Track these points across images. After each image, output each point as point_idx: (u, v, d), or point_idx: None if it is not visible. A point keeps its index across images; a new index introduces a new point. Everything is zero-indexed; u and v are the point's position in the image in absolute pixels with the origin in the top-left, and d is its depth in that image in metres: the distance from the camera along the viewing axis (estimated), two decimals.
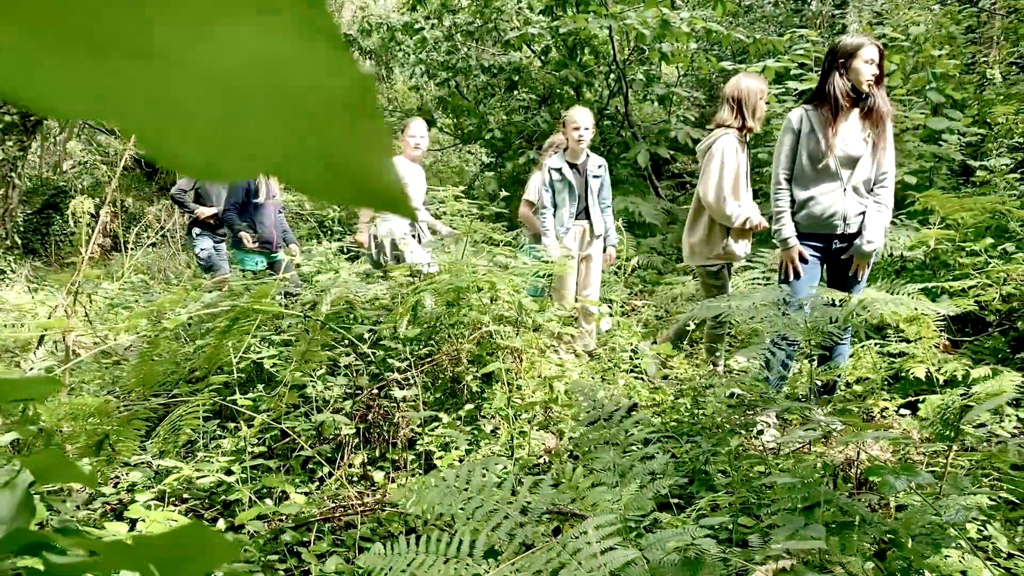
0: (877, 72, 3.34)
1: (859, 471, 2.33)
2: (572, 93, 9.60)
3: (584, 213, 4.75)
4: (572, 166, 4.68)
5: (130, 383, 2.31)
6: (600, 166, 4.81)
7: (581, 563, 1.48)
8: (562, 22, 8.22)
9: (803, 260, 3.48)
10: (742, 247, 4.11)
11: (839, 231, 3.42)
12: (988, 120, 6.45)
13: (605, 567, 1.45)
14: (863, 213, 3.45)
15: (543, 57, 9.19)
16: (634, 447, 3.26)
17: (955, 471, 2.27)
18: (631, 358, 4.11)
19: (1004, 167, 5.21)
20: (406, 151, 4.98)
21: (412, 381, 2.88)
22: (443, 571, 1.55)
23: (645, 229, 8.13)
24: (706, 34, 9.14)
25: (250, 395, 2.50)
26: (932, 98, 5.86)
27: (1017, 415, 3.52)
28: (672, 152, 9.03)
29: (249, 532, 2.25)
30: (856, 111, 3.41)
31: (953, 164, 5.92)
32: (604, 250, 4.88)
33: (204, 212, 5.90)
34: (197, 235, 6.00)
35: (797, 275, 3.46)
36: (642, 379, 4.05)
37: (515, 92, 8.60)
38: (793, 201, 3.52)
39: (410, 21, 8.86)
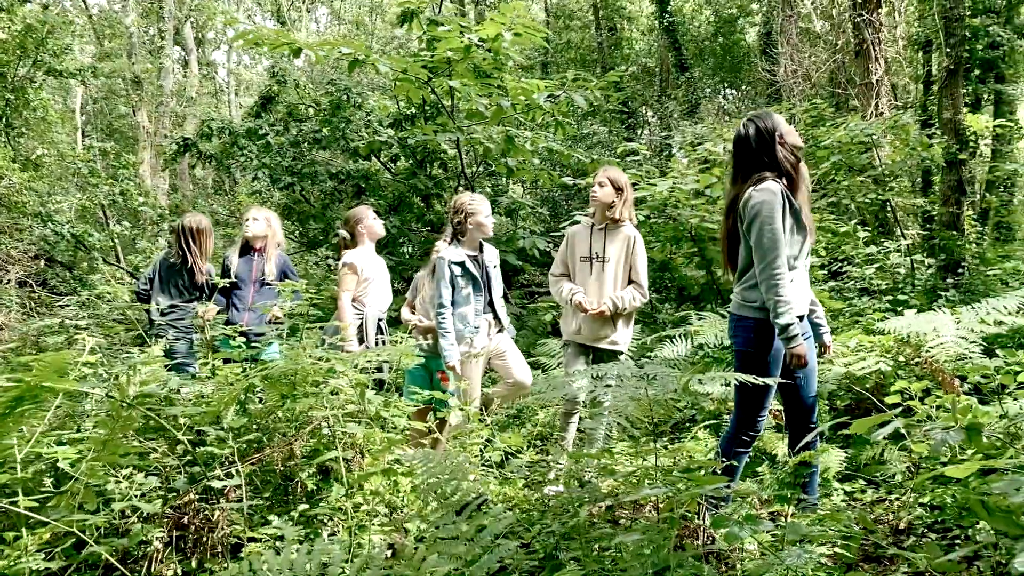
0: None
1: (705, 536, 2.30)
2: (421, 203, 9.76)
3: (489, 306, 4.46)
4: (471, 258, 4.38)
5: None
6: (496, 255, 4.59)
7: None
8: (410, 133, 8.43)
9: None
10: (577, 327, 4.21)
11: (804, 313, 3.08)
12: None
13: None
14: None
15: (391, 166, 9.32)
16: (486, 539, 3.06)
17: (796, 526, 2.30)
18: (482, 452, 3.97)
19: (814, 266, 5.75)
20: (370, 234, 4.85)
21: (236, 477, 2.59)
22: None
23: None
24: (548, 153, 9.70)
25: (36, 496, 2.11)
26: None
27: (843, 489, 3.69)
28: (520, 262, 9.29)
29: None
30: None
31: None
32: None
33: (214, 311, 5.03)
34: (176, 338, 5.08)
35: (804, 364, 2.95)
36: (494, 475, 3.91)
37: (363, 198, 8.61)
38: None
39: (253, 127, 8.76)
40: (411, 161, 8.83)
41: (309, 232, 9.08)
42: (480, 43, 6.76)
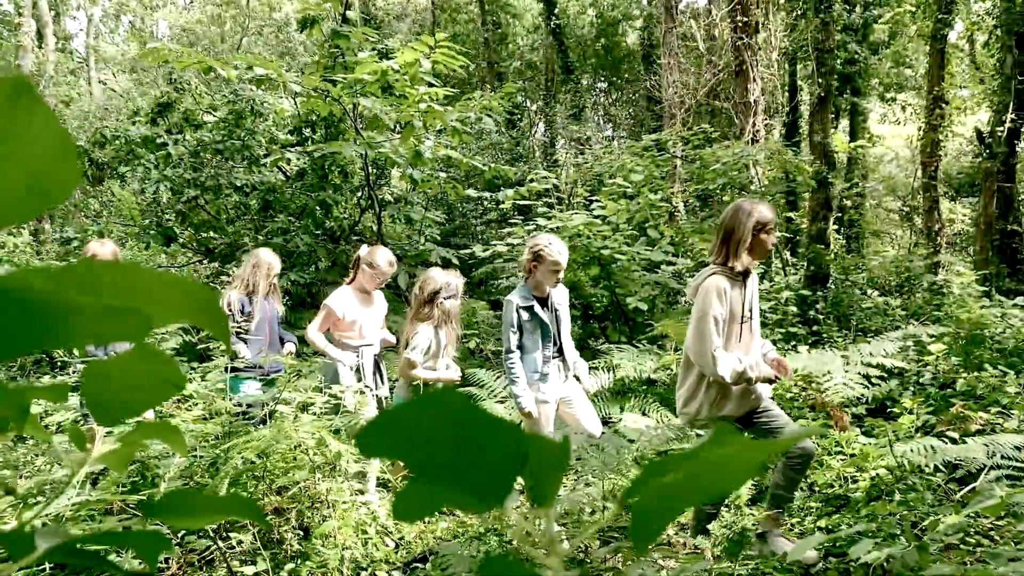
0: None
1: None
2: (321, 211, 9.73)
3: (558, 352, 4.14)
4: (540, 301, 4.07)
5: None
6: (565, 295, 4.26)
7: None
8: (318, 147, 8.42)
9: None
10: (736, 405, 3.26)
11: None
12: (677, 243, 7.85)
13: None
14: None
15: (296, 180, 9.25)
16: None
17: None
18: None
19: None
20: (368, 281, 4.54)
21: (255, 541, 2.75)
22: None
23: None
24: (446, 160, 9.94)
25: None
26: (651, 235, 7.00)
27: (752, 513, 4.25)
28: None
29: None
30: None
31: (669, 290, 7.07)
32: (578, 379, 4.24)
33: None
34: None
35: None
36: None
37: (270, 212, 8.52)
38: None
39: (150, 135, 8.44)
40: (317, 172, 8.80)
41: (209, 242, 8.86)
42: (396, 69, 6.88)
